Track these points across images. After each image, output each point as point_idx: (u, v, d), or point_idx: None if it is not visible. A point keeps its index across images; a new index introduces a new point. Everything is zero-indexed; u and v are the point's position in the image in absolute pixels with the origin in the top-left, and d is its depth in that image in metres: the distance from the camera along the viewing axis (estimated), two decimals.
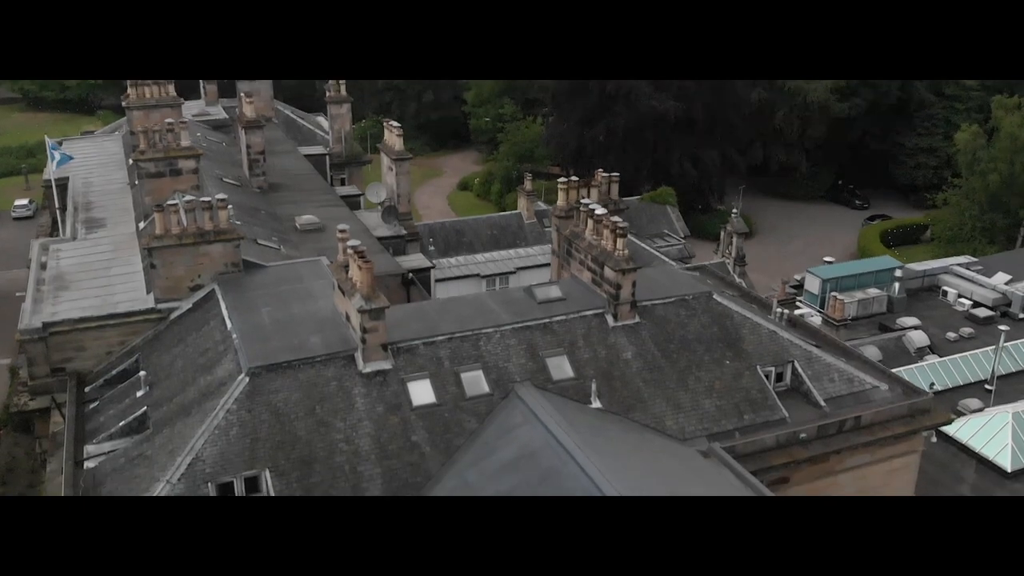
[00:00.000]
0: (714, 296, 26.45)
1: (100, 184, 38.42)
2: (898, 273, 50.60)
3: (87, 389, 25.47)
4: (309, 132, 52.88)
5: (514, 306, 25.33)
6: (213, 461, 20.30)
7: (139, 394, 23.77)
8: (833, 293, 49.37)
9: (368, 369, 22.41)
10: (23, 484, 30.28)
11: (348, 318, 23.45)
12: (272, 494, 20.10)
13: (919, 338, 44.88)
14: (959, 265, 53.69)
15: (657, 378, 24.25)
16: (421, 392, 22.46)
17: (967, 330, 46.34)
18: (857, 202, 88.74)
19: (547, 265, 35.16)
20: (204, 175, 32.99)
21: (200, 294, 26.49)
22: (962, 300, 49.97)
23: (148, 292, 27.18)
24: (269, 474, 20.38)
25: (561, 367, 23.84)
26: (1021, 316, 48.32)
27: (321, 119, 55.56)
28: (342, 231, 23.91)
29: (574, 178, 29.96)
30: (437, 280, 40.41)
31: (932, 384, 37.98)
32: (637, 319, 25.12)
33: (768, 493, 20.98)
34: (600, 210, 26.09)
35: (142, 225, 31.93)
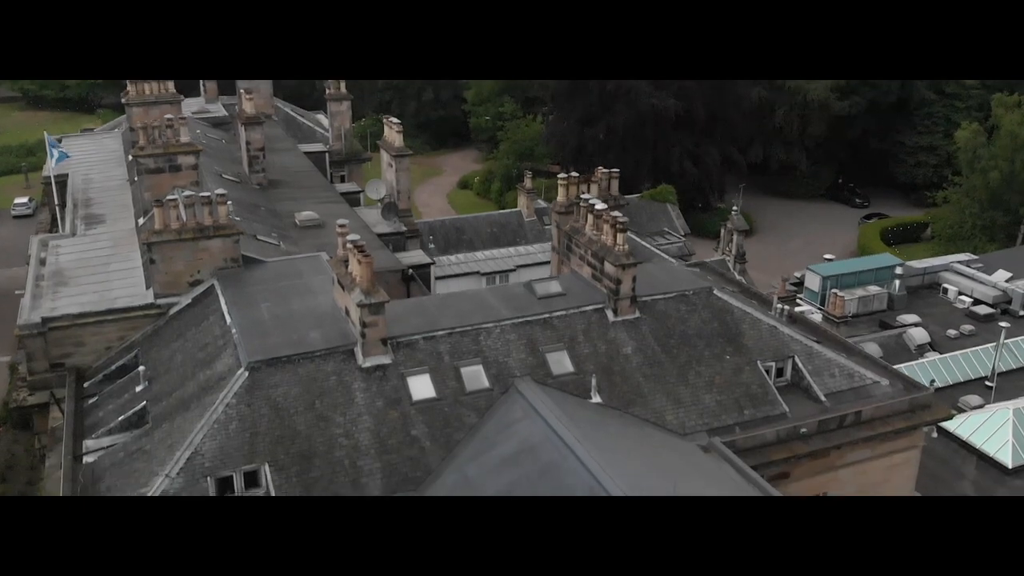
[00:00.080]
0: (714, 292, 26.41)
1: (99, 180, 38.37)
2: (898, 270, 50.62)
3: (86, 384, 25.43)
4: (309, 130, 52.84)
5: (514, 301, 25.30)
6: (212, 455, 20.26)
7: (138, 389, 23.74)
8: (834, 290, 49.34)
9: (368, 364, 22.37)
10: (22, 481, 30.22)
11: (348, 313, 23.40)
12: (271, 488, 20.06)
13: (919, 335, 44.87)
14: (959, 262, 53.72)
15: (657, 373, 24.21)
16: (421, 387, 22.42)
17: (967, 327, 46.33)
18: (857, 200, 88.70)
19: (547, 263, 35.08)
20: (204, 172, 32.94)
21: (199, 289, 26.44)
22: (962, 297, 49.97)
23: (147, 287, 27.14)
24: (268, 468, 20.34)
25: (561, 362, 23.80)
26: (1021, 313, 48.32)
27: (321, 116, 55.53)
28: (342, 226, 23.87)
29: (574, 174, 29.91)
30: (437, 278, 40.31)
31: (933, 381, 37.89)
32: (637, 314, 25.08)
33: (769, 487, 20.93)
34: (600, 205, 26.05)
35: (141, 221, 31.89)
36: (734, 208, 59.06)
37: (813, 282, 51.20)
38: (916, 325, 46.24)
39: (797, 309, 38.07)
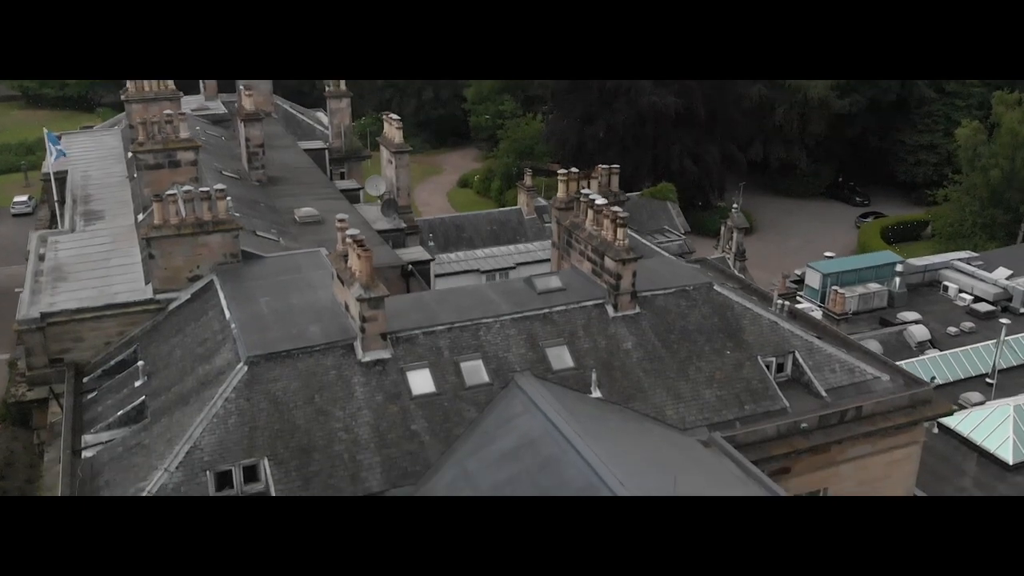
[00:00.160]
0: (715, 287, 26.36)
1: (99, 177, 38.33)
2: (899, 268, 50.52)
3: (85, 380, 25.37)
4: (308, 127, 52.82)
5: (514, 296, 25.24)
6: (211, 450, 20.20)
7: (137, 384, 23.67)
8: (834, 287, 49.27)
9: (367, 358, 22.31)
10: (21, 478, 30.22)
11: (347, 307, 23.35)
12: (271, 482, 20.00)
13: (920, 332, 44.77)
14: (960, 260, 53.61)
15: (657, 368, 24.16)
16: (420, 381, 22.36)
17: (968, 325, 46.21)
18: (857, 199, 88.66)
19: (547, 260, 35.03)
20: (203, 168, 32.86)
21: (199, 284, 26.38)
22: (963, 295, 49.86)
23: (147, 283, 27.08)
24: (268, 463, 20.28)
25: (561, 357, 23.73)
26: (1022, 311, 48.21)
27: (320, 114, 55.50)
28: (341, 220, 23.81)
29: (574, 170, 29.83)
30: (437, 275, 40.27)
31: (933, 378, 37.77)
32: (637, 309, 25.02)
33: (769, 482, 20.88)
34: (600, 200, 25.99)
35: (141, 217, 31.82)
36: (735, 205, 59.01)
37: (813, 279, 51.10)
38: (916, 322, 46.14)
39: (797, 306, 38.02)
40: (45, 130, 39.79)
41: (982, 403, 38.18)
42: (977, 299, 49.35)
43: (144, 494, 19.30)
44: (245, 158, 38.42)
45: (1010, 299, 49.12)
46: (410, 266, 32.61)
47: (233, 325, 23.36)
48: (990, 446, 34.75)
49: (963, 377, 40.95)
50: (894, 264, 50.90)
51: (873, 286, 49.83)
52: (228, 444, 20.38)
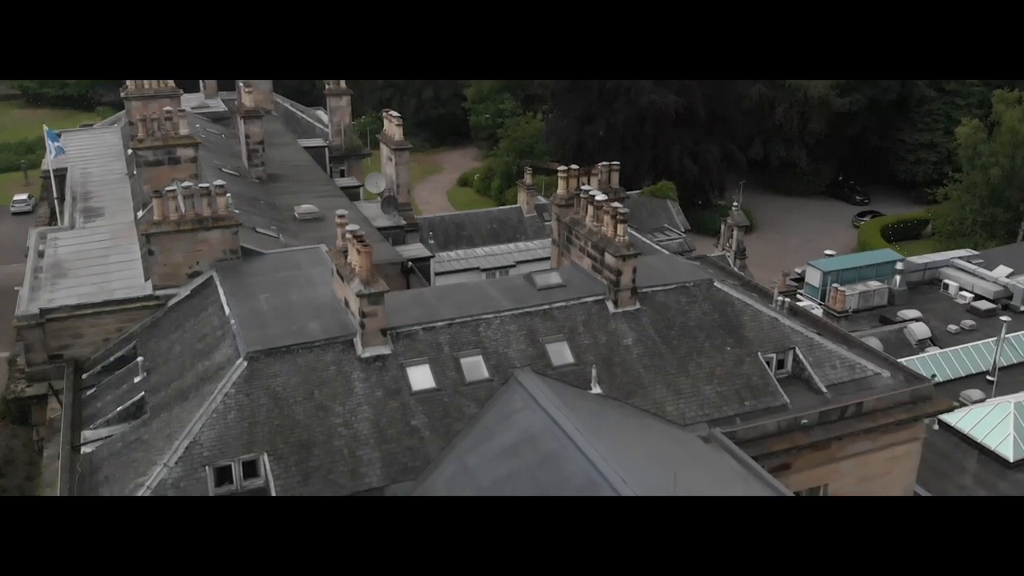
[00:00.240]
0: (715, 283, 26.32)
1: (99, 174, 38.28)
2: (899, 266, 50.50)
3: (84, 376, 25.33)
4: (308, 125, 52.79)
5: (514, 292, 25.21)
6: (211, 445, 20.16)
7: (136, 380, 23.63)
8: (834, 285, 49.23)
9: (367, 354, 22.28)
10: (21, 475, 30.16)
11: (347, 303, 23.32)
12: (270, 478, 19.96)
13: (920, 330, 44.74)
14: (960, 258, 53.57)
15: (657, 364, 24.12)
16: (420, 377, 22.33)
17: (968, 322, 46.18)
18: (857, 198, 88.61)
19: (547, 259, 35.03)
20: (203, 165, 32.85)
21: (198, 281, 26.35)
22: (963, 293, 49.83)
23: (146, 279, 27.05)
24: (267, 458, 20.25)
25: (561, 353, 23.71)
26: (1022, 309, 48.19)
27: (320, 112, 55.46)
28: (341, 216, 23.78)
29: (575, 167, 29.81)
30: (437, 273, 40.25)
31: (934, 375, 37.67)
32: (637, 305, 24.99)
33: (770, 478, 20.84)
34: (600, 196, 25.96)
35: (140, 213, 31.80)
36: (735, 203, 58.98)
37: (814, 277, 51.08)
38: (917, 320, 46.12)
39: (798, 304, 37.98)
40: (45, 127, 39.78)
41: (983, 400, 38.14)
42: (977, 297, 49.32)
43: (143, 489, 19.26)
44: (245, 155, 38.40)
45: (1010, 297, 49.08)
46: (410, 263, 32.58)
47: (233, 321, 23.33)
48: (991, 443, 34.69)
49: (964, 375, 40.93)
50: (894, 262, 50.90)
51: (873, 284, 49.82)
52: (228, 439, 20.34)
